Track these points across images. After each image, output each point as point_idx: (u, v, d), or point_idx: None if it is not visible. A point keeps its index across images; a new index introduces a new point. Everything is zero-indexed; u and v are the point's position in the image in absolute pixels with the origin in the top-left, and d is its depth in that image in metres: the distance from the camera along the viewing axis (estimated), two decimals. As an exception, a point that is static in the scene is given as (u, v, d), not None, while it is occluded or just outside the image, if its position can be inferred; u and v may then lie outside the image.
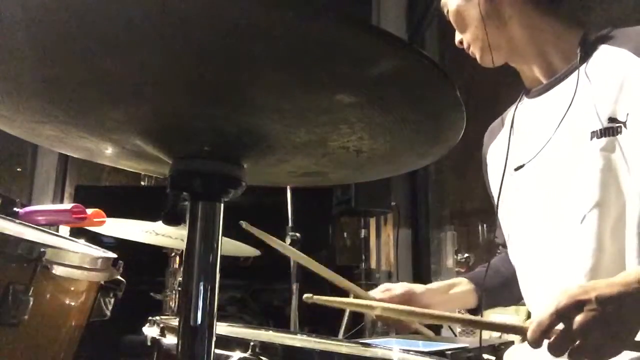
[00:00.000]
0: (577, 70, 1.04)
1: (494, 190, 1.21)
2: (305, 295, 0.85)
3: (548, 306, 0.80)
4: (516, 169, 1.13)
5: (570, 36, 1.08)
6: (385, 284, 1.23)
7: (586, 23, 1.12)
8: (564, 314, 0.79)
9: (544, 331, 0.79)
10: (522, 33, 1.11)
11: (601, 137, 0.97)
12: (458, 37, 1.20)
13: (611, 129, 0.97)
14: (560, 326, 0.79)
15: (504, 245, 1.32)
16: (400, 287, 1.17)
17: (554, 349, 0.79)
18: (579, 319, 0.78)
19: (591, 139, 0.99)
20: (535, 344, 0.80)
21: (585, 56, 1.04)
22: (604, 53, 1.03)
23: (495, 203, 1.20)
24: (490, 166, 1.25)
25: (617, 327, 0.79)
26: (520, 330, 0.82)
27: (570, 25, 1.10)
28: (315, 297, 0.85)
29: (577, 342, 0.78)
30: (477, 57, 1.17)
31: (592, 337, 0.77)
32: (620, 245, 0.94)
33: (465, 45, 1.19)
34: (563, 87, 1.08)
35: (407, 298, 1.15)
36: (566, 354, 0.79)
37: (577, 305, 0.78)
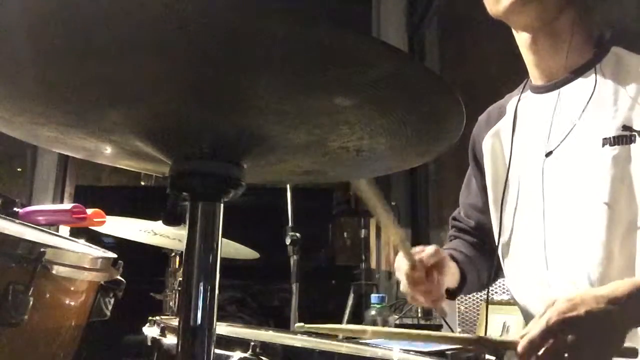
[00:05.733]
0: (592, 70, 1.02)
1: (490, 180, 1.20)
2: (296, 325, 0.87)
3: (538, 322, 0.83)
4: (529, 169, 1.11)
5: (588, 32, 1.07)
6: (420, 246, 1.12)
7: (600, 21, 1.09)
8: (554, 331, 0.81)
9: (534, 348, 0.81)
10: (570, 17, 1.04)
11: (614, 144, 0.97)
12: None
13: (624, 137, 0.96)
14: (550, 341, 0.81)
15: (462, 230, 1.31)
16: (432, 248, 1.12)
17: None
18: (568, 336, 0.80)
19: (603, 145, 0.98)
20: (525, 358, 0.82)
21: (600, 57, 1.03)
22: (617, 57, 1.02)
23: (491, 195, 1.19)
24: (486, 155, 1.22)
25: (605, 341, 0.82)
26: (511, 346, 0.85)
27: (588, 21, 1.08)
28: (307, 325, 0.87)
29: (567, 357, 0.80)
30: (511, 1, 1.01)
31: (582, 353, 0.80)
32: (630, 254, 0.94)
33: None
34: (575, 86, 1.06)
35: (439, 257, 1.10)
36: None
37: (567, 322, 0.81)
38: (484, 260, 1.24)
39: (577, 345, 0.80)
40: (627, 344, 0.82)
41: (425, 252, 1.07)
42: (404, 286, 1.10)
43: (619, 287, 0.85)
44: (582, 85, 1.04)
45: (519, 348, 0.82)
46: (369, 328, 0.93)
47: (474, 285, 1.24)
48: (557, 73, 1.09)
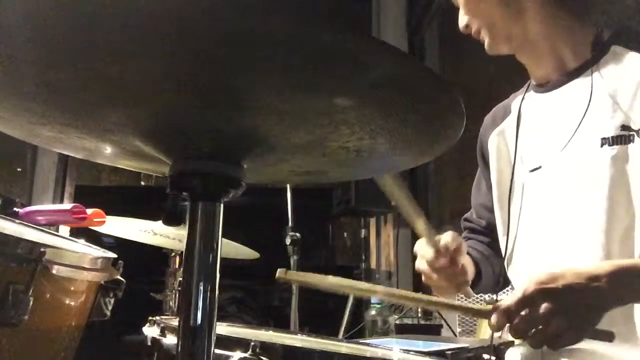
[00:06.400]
0: (590, 71, 1.02)
1: (495, 179, 1.20)
2: (279, 270, 0.85)
3: (515, 291, 0.83)
4: (531, 170, 1.11)
5: (583, 33, 1.07)
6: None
7: (598, 20, 1.09)
8: (530, 300, 0.81)
9: (509, 316, 0.81)
10: (538, 26, 1.07)
11: (613, 144, 0.96)
12: (464, 20, 1.14)
13: (623, 137, 0.95)
14: (525, 311, 0.81)
15: (475, 231, 1.31)
16: (450, 233, 1.08)
17: (515, 332, 0.82)
18: (543, 305, 0.80)
19: (601, 145, 0.97)
20: (498, 327, 0.82)
21: (598, 57, 1.03)
22: (616, 55, 1.01)
23: (495, 193, 1.19)
24: (492, 154, 1.23)
25: (580, 317, 0.81)
26: (485, 314, 0.84)
27: (583, 22, 1.08)
28: (289, 272, 0.85)
29: (539, 328, 0.80)
30: (486, 44, 1.13)
31: (554, 325, 0.80)
32: (629, 255, 0.94)
33: (474, 29, 1.13)
34: (573, 86, 1.06)
35: (459, 241, 1.08)
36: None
37: (543, 293, 0.81)
38: (497, 259, 1.24)
39: (551, 316, 0.80)
40: (604, 328, 0.82)
41: (445, 237, 1.06)
42: (426, 276, 1.08)
43: (601, 266, 0.86)
44: (580, 86, 1.04)
45: (493, 317, 0.82)
46: (355, 284, 0.90)
47: (490, 281, 1.23)
48: (553, 76, 1.10)
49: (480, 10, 1.11)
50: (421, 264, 1.08)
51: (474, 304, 0.95)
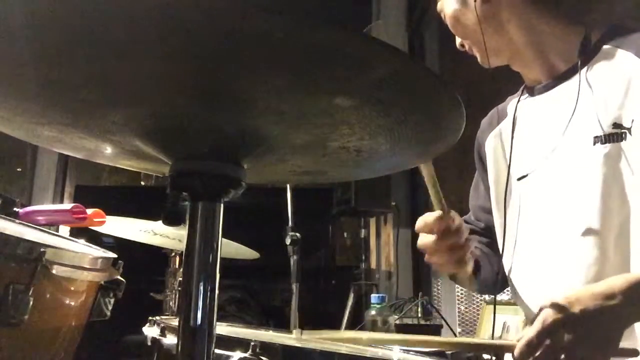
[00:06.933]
0: (578, 74, 1.03)
1: (492, 182, 1.21)
2: (294, 331, 0.86)
3: (535, 323, 0.82)
4: (519, 179, 1.12)
5: (570, 36, 1.07)
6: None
7: (587, 21, 1.11)
8: (551, 330, 0.81)
9: (532, 350, 0.81)
10: (521, 36, 1.09)
11: (605, 142, 0.97)
12: (458, 39, 1.19)
13: (615, 134, 0.96)
14: (547, 341, 0.81)
15: (474, 232, 1.31)
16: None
17: None
18: (565, 335, 0.80)
19: (594, 144, 0.98)
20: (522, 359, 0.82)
21: (587, 58, 1.04)
22: (607, 55, 1.02)
23: (493, 195, 1.19)
24: (489, 157, 1.23)
25: (602, 339, 0.82)
26: (509, 349, 0.84)
27: (571, 24, 1.09)
28: (305, 332, 0.86)
29: (563, 357, 0.80)
30: (479, 59, 1.17)
31: (578, 352, 0.80)
32: (624, 253, 0.94)
33: (467, 48, 1.18)
34: (564, 88, 1.07)
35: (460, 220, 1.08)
36: None
37: (562, 321, 0.81)
38: (497, 258, 1.25)
39: (573, 344, 0.80)
40: (626, 344, 0.82)
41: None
42: (429, 250, 1.06)
43: (614, 283, 0.85)
44: (569, 88, 1.05)
45: (516, 350, 0.82)
46: (368, 335, 0.92)
47: (489, 277, 1.23)
48: (543, 79, 1.12)
49: (463, 31, 1.15)
50: (424, 238, 1.06)
51: (497, 340, 0.95)
